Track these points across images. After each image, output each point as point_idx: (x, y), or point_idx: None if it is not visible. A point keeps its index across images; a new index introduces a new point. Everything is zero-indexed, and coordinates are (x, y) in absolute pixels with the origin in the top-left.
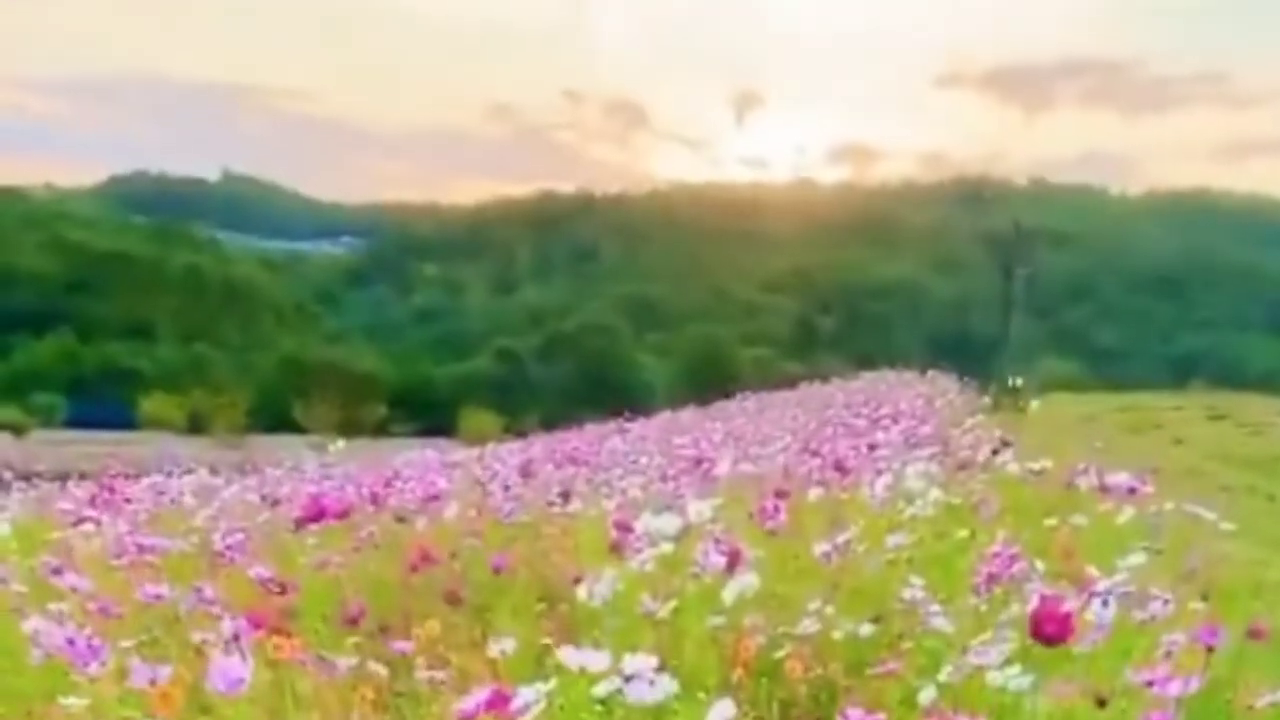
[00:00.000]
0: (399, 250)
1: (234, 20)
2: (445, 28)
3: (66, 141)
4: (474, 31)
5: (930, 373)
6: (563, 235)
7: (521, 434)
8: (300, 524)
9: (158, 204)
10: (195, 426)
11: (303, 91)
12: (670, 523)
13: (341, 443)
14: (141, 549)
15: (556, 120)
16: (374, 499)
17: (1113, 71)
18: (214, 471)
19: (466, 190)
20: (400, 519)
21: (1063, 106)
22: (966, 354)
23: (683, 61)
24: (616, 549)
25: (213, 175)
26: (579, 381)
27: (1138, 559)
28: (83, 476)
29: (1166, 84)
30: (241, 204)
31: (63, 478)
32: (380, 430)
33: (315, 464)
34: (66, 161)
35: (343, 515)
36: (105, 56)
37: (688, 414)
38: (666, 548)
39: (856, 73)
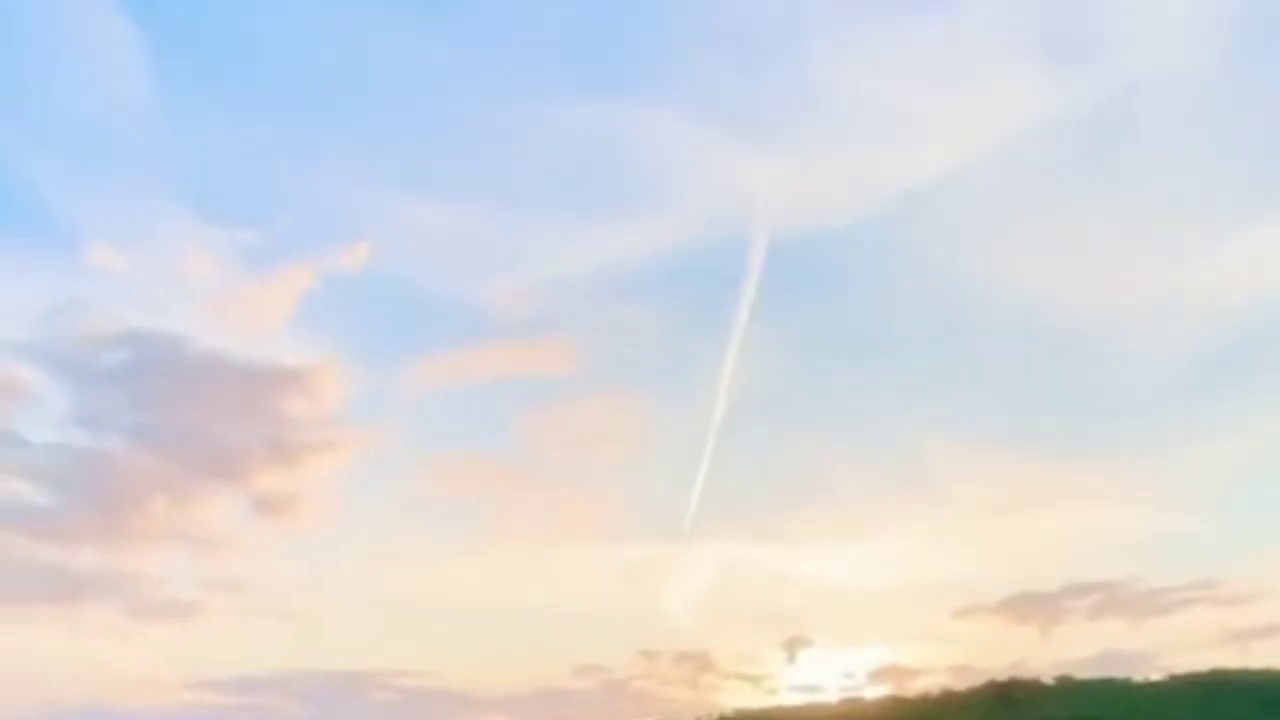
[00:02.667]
0: None
1: (362, 616)
2: (539, 605)
3: None
4: (565, 611)
5: None
6: None
7: None
8: None
9: None
10: None
11: (419, 670)
12: None
13: None
14: None
15: (635, 673)
16: None
17: (1113, 589)
18: None
19: None
20: None
21: (1073, 620)
22: None
23: (739, 618)
24: None
25: None
26: None
27: None
28: None
29: (1163, 593)
30: None
31: None
32: None
33: None
34: None
35: None
36: (263, 657)
37: None
38: None
39: (886, 615)
